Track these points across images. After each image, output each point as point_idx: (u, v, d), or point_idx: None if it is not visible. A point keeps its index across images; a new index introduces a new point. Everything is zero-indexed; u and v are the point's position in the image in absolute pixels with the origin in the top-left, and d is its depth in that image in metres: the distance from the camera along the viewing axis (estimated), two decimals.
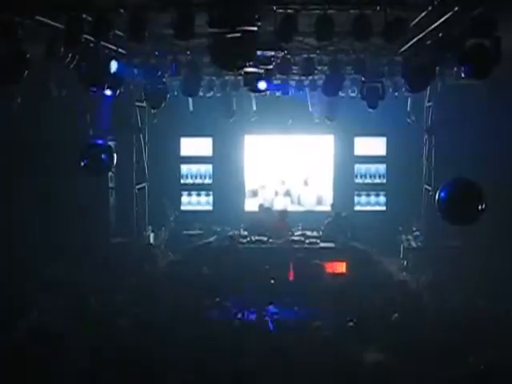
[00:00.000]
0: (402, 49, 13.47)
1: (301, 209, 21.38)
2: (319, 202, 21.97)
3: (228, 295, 13.71)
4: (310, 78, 16.26)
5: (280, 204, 21.14)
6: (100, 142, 14.55)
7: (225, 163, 22.16)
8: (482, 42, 9.68)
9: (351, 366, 9.36)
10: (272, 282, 15.36)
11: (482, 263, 15.84)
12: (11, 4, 9.43)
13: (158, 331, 11.01)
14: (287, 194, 22.10)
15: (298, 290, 14.67)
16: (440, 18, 10.31)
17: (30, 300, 12.86)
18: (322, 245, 17.72)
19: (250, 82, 14.96)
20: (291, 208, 21.13)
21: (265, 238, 17.68)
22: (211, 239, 19.44)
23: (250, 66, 12.70)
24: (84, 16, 10.07)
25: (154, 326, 11.35)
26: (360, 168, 22.44)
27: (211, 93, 18.40)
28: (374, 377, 8.94)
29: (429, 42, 11.77)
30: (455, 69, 13.48)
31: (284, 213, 18.78)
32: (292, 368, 8.98)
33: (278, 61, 14.06)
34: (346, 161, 22.21)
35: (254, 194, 22.01)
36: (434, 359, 9.50)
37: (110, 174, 19.08)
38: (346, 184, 22.24)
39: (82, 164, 13.63)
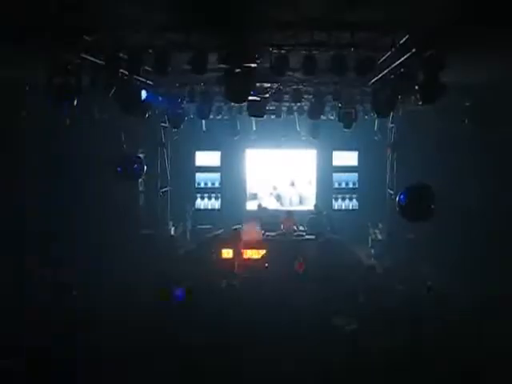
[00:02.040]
0: (371, 81, 13.46)
1: (289, 208, 21.30)
2: (304, 202, 21.95)
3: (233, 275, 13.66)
4: (298, 104, 16.25)
5: (272, 205, 21.02)
6: (134, 154, 14.56)
7: (230, 172, 22.15)
8: (432, 76, 9.68)
9: (331, 333, 9.38)
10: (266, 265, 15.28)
11: (431, 251, 15.87)
12: (68, 45, 9.44)
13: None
14: (278, 196, 22.08)
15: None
16: (401, 58, 10.32)
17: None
18: (307, 237, 17.65)
19: (252, 109, 14.96)
20: (280, 208, 21.03)
21: (262, 231, 17.63)
22: (219, 232, 19.42)
23: (251, 95, 12.69)
24: (120, 55, 10.07)
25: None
26: (337, 176, 22.43)
27: (220, 116, 18.40)
28: (349, 341, 8.96)
29: (392, 76, 11.77)
30: (412, 97, 13.53)
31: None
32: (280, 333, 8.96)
33: (273, 91, 14.07)
34: (326, 170, 22.20)
35: (254, 196, 21.93)
36: (394, 325, 9.55)
37: (140, 180, 19.09)
38: (326, 188, 22.23)
39: (119, 171, 13.61)
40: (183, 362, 8.11)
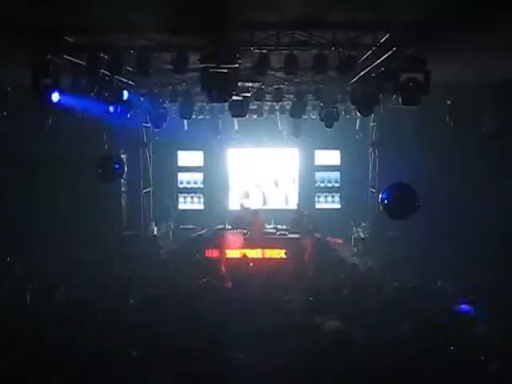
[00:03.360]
0: (352, 80, 13.52)
1: (272, 207, 21.33)
2: (287, 201, 22.00)
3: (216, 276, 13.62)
4: (280, 103, 16.29)
5: (255, 204, 21.00)
6: (114, 154, 14.47)
7: (213, 171, 22.16)
8: (415, 75, 9.73)
9: (313, 332, 9.38)
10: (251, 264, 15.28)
11: (413, 249, 15.98)
12: (46, 45, 9.42)
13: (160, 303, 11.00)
14: (261, 195, 22.09)
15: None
16: (381, 56, 10.40)
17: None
18: (290, 236, 17.71)
19: (233, 109, 14.99)
20: (264, 207, 21.05)
21: (245, 231, 17.66)
22: (202, 232, 19.44)
23: (233, 95, 12.70)
24: (101, 55, 10.06)
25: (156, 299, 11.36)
26: (319, 175, 22.54)
27: (202, 116, 18.46)
28: (333, 340, 8.98)
29: (373, 75, 11.84)
30: (394, 96, 13.60)
31: (256, 211, 18.70)
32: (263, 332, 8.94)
33: (255, 90, 14.10)
34: (309, 169, 22.30)
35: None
36: (378, 322, 9.60)
37: (122, 180, 19.04)
38: (308, 187, 22.31)
39: (99, 171, 13.53)
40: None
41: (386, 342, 8.56)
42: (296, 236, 17.47)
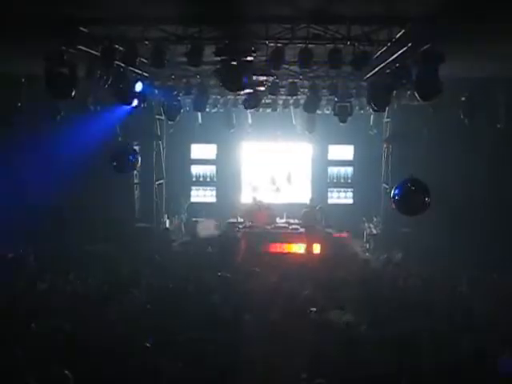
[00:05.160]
0: (367, 76, 13.48)
1: (284, 202, 21.26)
2: (299, 196, 21.91)
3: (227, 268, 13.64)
4: (294, 98, 16.25)
5: (267, 198, 20.90)
6: (127, 146, 14.50)
7: (226, 165, 22.15)
8: (430, 71, 9.66)
9: (325, 325, 9.40)
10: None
11: (426, 245, 15.95)
12: (60, 35, 9.42)
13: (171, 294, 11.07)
14: (274, 189, 22.00)
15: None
16: (397, 52, 10.35)
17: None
18: (302, 230, 17.70)
19: (246, 101, 14.96)
20: (276, 201, 20.95)
21: (260, 224, 17.75)
22: None
23: (247, 88, 12.68)
24: (116, 46, 10.07)
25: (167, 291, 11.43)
26: (332, 170, 22.51)
27: (216, 109, 18.46)
28: (344, 333, 9.00)
29: (388, 71, 11.78)
30: (408, 92, 13.55)
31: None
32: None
33: (269, 84, 14.08)
34: (322, 164, 22.26)
35: (254, 189, 21.80)
36: (388, 316, 9.62)
37: (135, 172, 19.10)
38: (321, 182, 22.27)
39: (114, 163, 13.55)
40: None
41: (398, 336, 8.58)
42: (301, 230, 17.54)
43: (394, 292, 11.72)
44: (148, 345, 8.05)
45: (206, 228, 18.90)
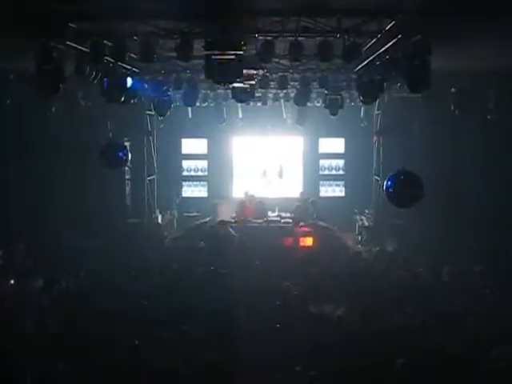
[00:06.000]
0: (357, 68, 13.46)
1: (276, 195, 21.23)
2: (291, 190, 21.88)
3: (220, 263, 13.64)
4: (285, 91, 16.23)
5: (259, 192, 20.87)
6: (117, 142, 14.44)
7: (217, 159, 22.13)
8: (420, 63, 9.65)
9: (318, 319, 9.42)
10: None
11: (418, 237, 15.99)
12: (48, 31, 9.34)
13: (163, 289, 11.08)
14: (265, 183, 21.95)
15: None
16: (387, 44, 10.33)
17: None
18: (293, 223, 17.68)
19: (237, 94, 14.92)
20: (268, 195, 20.88)
21: (248, 219, 17.72)
22: (206, 219, 19.47)
23: (237, 82, 12.64)
24: (105, 41, 10.01)
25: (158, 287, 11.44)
26: (324, 163, 22.52)
27: (206, 103, 18.40)
28: (337, 326, 9.03)
29: (378, 63, 11.78)
30: (398, 84, 13.56)
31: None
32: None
33: (259, 77, 14.05)
34: (313, 157, 22.28)
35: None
36: (379, 308, 9.66)
37: (126, 168, 19.05)
38: (312, 175, 22.30)
39: (103, 160, 13.50)
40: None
41: (390, 328, 8.60)
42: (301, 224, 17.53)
43: (385, 284, 11.75)
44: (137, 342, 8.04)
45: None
